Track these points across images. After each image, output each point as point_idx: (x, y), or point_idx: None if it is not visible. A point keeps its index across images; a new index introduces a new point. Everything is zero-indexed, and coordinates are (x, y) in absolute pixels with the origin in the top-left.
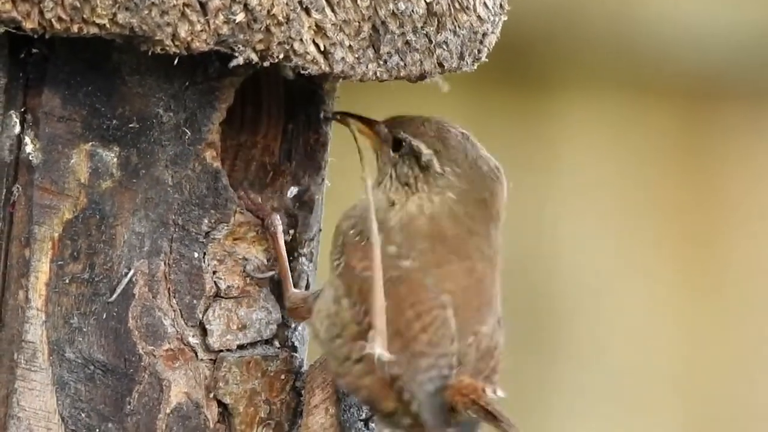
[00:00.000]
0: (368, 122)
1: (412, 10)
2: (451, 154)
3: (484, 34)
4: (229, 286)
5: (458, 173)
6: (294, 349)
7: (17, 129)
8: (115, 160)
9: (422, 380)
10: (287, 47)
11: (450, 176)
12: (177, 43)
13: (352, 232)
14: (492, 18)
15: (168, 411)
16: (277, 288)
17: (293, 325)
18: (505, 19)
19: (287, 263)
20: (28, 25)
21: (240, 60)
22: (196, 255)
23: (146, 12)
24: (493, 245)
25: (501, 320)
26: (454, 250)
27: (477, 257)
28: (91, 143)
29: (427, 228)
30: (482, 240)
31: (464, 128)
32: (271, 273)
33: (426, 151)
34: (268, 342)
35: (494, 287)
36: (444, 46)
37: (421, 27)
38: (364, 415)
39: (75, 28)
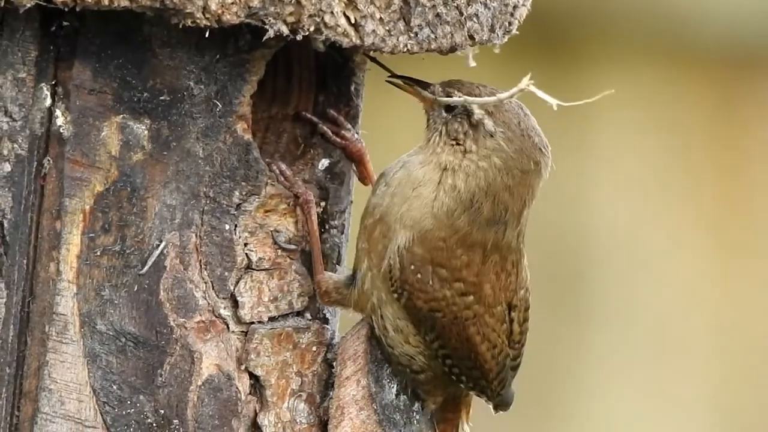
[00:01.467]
0: (422, 84)
1: None
2: (504, 116)
3: (515, 7)
4: (260, 258)
5: (509, 137)
6: (325, 321)
7: (48, 102)
8: (146, 132)
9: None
10: (318, 20)
11: (500, 139)
12: (208, 15)
13: (412, 267)
14: None
15: (199, 383)
16: (308, 260)
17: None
18: None
19: (320, 246)
20: None
21: (271, 33)
22: (227, 227)
23: None
24: (514, 232)
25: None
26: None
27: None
28: (122, 116)
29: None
30: (502, 233)
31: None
32: (302, 245)
33: (478, 111)
34: (299, 314)
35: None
36: (475, 19)
37: None
38: (396, 387)
39: (106, 1)
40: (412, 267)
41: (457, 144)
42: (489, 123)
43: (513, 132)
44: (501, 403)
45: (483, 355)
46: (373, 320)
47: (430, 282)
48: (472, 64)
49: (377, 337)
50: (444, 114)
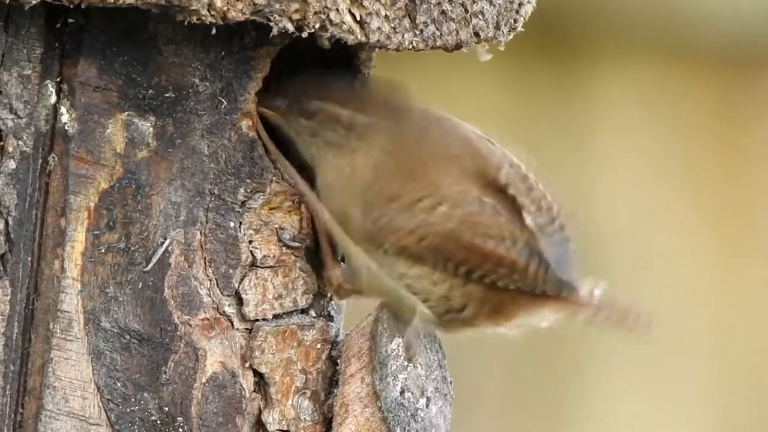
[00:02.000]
0: (267, 102)
1: None
2: (366, 102)
3: (521, 4)
4: (265, 256)
5: (382, 116)
6: (330, 318)
7: (53, 99)
8: (151, 129)
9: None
10: (323, 17)
11: (378, 121)
12: (213, 12)
13: (376, 213)
14: None
15: (204, 380)
16: (313, 257)
17: (329, 295)
18: None
19: (328, 243)
20: None
21: (276, 30)
22: (232, 224)
23: None
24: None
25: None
26: (437, 163)
27: (450, 145)
28: (127, 113)
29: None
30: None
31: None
32: (307, 242)
33: (344, 112)
34: (304, 311)
35: (474, 143)
36: (480, 16)
37: None
38: (400, 385)
39: None
40: (375, 213)
41: (342, 147)
42: (361, 117)
43: (382, 109)
44: (558, 287)
45: (495, 252)
46: (401, 292)
47: (396, 219)
48: (487, 57)
49: (411, 303)
50: (304, 121)
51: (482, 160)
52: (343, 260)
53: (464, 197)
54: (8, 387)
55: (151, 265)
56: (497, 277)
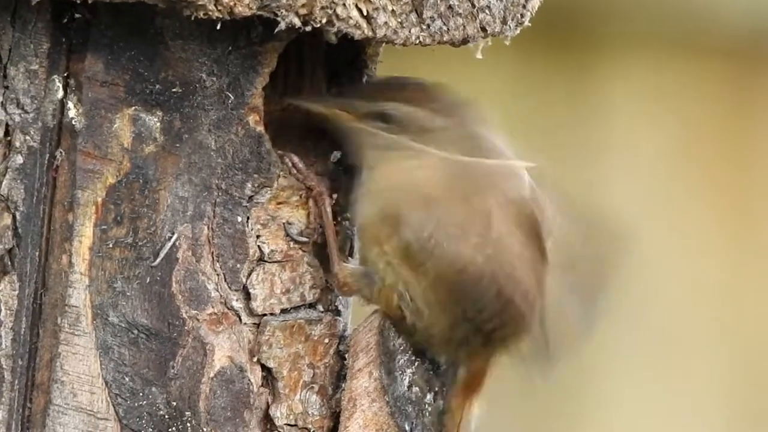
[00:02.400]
0: (341, 104)
1: None
2: (438, 102)
3: None
4: (272, 250)
5: (447, 124)
6: (338, 313)
7: (60, 94)
8: (158, 124)
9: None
10: (330, 12)
11: (445, 128)
12: (220, 8)
13: (425, 234)
14: None
15: (212, 375)
16: (320, 252)
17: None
18: None
19: (336, 239)
20: None
21: (283, 25)
22: (239, 219)
23: None
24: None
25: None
26: (500, 206)
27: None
28: (134, 108)
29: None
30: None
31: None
32: (314, 237)
33: (421, 113)
34: (311, 306)
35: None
36: (487, 11)
37: None
38: (408, 379)
39: None
40: (425, 234)
41: (405, 151)
42: (440, 120)
43: (448, 116)
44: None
45: (519, 307)
46: (403, 308)
47: (445, 243)
48: (479, 56)
49: (412, 324)
50: (381, 124)
51: (537, 215)
52: (350, 254)
53: (511, 247)
54: (16, 381)
55: (158, 260)
56: (503, 332)
